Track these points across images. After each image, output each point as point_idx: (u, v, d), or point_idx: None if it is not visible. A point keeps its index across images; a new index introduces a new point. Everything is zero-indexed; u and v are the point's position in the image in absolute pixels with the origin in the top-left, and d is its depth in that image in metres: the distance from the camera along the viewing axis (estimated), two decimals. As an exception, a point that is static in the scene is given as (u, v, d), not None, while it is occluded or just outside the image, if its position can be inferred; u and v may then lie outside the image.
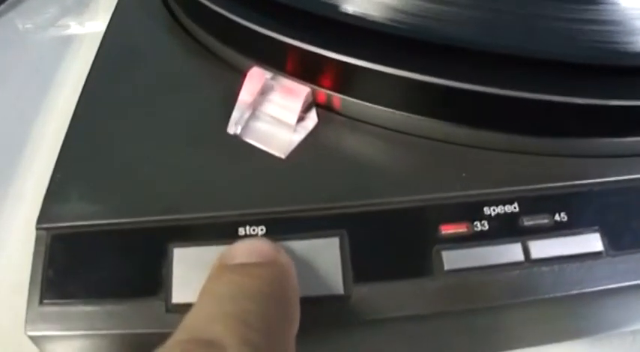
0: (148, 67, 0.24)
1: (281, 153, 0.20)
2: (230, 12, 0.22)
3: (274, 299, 0.16)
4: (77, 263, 0.19)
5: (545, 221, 0.20)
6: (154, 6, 0.27)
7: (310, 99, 0.21)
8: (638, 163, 0.21)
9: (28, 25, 0.35)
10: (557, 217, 0.20)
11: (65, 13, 0.37)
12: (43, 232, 0.20)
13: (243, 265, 0.17)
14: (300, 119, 0.21)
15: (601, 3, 0.22)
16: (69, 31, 0.35)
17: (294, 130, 0.21)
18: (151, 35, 0.25)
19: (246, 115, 0.21)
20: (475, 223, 0.20)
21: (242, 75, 0.22)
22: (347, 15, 0.21)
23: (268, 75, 0.21)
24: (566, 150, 0.21)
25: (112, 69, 0.24)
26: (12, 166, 0.28)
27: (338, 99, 0.22)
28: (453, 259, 0.19)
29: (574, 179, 0.21)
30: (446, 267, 0.19)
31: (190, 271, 0.19)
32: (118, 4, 0.27)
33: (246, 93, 0.21)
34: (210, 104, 0.22)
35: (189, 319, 0.16)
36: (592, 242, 0.20)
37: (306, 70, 0.21)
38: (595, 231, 0.20)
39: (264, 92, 0.21)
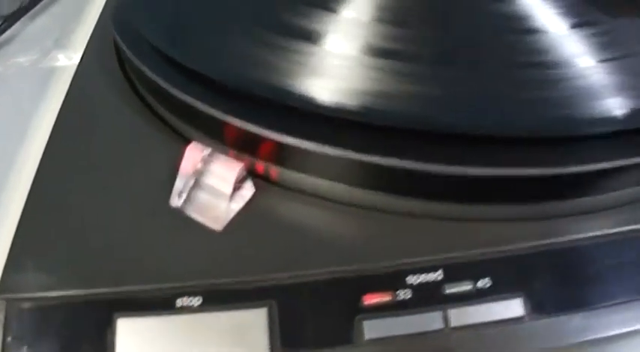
0: (103, 135, 0.25)
1: (218, 226, 0.22)
2: (167, 82, 0.23)
3: None
4: (32, 332, 0.21)
5: (468, 288, 0.21)
6: (113, 71, 0.28)
7: (244, 173, 0.23)
8: (561, 225, 0.22)
9: (9, 69, 0.37)
10: (479, 283, 0.21)
11: (45, 54, 0.38)
12: (2, 302, 0.22)
13: None
14: (237, 189, 0.22)
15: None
16: (53, 66, 0.36)
17: (231, 200, 0.22)
18: (107, 102, 0.27)
19: (190, 184, 0.23)
20: (398, 292, 0.21)
21: (187, 144, 0.23)
22: (282, 96, 0.22)
23: (206, 151, 0.23)
24: (491, 216, 0.22)
25: (70, 136, 0.25)
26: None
27: (274, 170, 0.23)
28: (373, 328, 0.20)
29: (498, 244, 0.22)
30: (366, 337, 0.20)
31: (134, 340, 0.21)
32: (78, 67, 0.28)
33: (187, 165, 0.23)
34: (158, 173, 0.24)
35: None
36: (513, 307, 0.21)
37: (242, 143, 0.23)
38: (517, 296, 0.21)
39: (204, 164, 0.23)
